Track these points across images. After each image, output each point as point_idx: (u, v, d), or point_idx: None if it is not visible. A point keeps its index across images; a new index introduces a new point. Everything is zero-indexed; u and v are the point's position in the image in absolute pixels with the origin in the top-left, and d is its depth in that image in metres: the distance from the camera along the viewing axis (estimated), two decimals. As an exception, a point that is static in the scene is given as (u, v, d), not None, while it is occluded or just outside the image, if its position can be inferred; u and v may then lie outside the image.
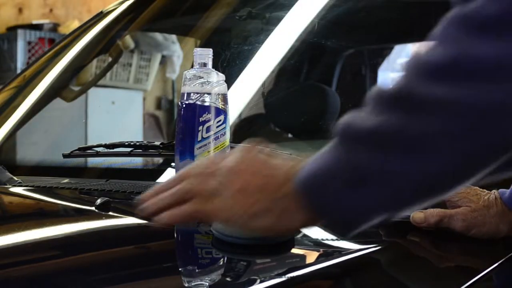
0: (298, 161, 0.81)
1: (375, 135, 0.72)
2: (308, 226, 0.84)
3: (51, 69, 2.01)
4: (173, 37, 3.30)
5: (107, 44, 2.22)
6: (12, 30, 5.36)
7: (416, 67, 0.72)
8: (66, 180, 1.65)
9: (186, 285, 0.94)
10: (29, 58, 5.20)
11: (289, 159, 0.84)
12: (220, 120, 1.31)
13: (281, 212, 0.81)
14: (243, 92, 1.88)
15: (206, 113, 1.30)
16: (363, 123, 0.73)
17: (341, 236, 0.82)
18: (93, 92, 2.51)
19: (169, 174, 1.64)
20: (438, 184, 0.72)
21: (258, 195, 0.82)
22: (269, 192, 0.81)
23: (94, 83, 2.51)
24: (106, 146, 1.57)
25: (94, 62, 2.43)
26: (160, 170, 1.74)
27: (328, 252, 1.06)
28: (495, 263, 0.98)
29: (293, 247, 1.05)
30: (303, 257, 1.06)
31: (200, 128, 1.29)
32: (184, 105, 1.31)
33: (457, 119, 0.68)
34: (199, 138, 1.29)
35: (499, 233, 1.09)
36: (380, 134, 0.72)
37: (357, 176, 0.73)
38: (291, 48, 1.92)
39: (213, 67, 1.34)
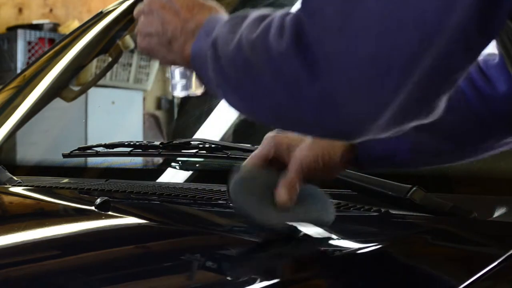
0: (200, 19, 0.97)
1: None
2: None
3: (51, 69, 2.02)
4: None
5: (107, 44, 2.22)
6: (12, 30, 5.37)
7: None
8: (66, 180, 1.65)
9: (186, 285, 0.94)
10: (29, 58, 5.21)
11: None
12: None
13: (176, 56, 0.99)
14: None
15: None
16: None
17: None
18: (93, 92, 2.51)
19: (169, 174, 1.64)
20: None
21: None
22: (178, 44, 0.98)
23: (94, 83, 2.50)
24: (106, 146, 1.57)
25: (94, 62, 2.42)
26: (159, 170, 1.74)
27: (328, 251, 1.06)
28: (494, 262, 0.98)
29: (293, 246, 1.05)
30: (303, 256, 1.06)
31: None
32: None
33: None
34: None
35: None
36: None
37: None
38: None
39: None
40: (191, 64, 0.97)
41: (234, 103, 0.92)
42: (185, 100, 2.44)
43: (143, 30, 1.01)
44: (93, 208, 1.26)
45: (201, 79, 0.98)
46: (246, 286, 0.90)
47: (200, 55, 0.94)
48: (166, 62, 1.02)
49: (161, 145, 1.50)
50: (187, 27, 0.97)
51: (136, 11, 1.04)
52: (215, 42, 0.92)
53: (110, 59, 2.42)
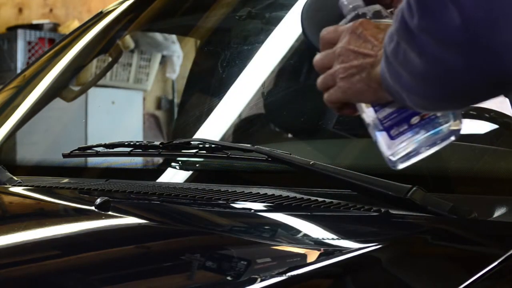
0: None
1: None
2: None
3: (51, 69, 2.02)
4: (173, 37, 3.30)
5: (107, 44, 2.22)
6: (12, 30, 5.38)
7: None
8: (66, 180, 1.65)
9: (186, 285, 0.94)
10: (29, 58, 5.21)
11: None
12: None
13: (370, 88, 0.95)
14: (243, 92, 1.88)
15: None
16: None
17: None
18: (93, 92, 2.51)
19: (169, 174, 1.64)
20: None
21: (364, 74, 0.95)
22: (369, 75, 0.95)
23: (94, 83, 2.51)
24: (106, 146, 1.57)
25: (94, 62, 2.43)
26: (159, 170, 1.74)
27: (328, 251, 1.06)
28: (494, 263, 0.98)
29: (293, 246, 1.05)
30: (303, 256, 1.06)
31: None
32: None
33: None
34: None
35: None
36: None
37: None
38: (291, 48, 1.92)
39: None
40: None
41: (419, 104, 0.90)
42: (185, 100, 2.44)
43: (343, 73, 0.97)
44: (93, 208, 1.26)
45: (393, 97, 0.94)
46: (246, 286, 0.90)
47: (383, 75, 0.92)
48: (374, 100, 0.98)
49: (161, 145, 1.50)
50: (379, 56, 0.94)
51: (323, 58, 1.00)
52: (386, 57, 0.90)
53: (110, 59, 2.42)
